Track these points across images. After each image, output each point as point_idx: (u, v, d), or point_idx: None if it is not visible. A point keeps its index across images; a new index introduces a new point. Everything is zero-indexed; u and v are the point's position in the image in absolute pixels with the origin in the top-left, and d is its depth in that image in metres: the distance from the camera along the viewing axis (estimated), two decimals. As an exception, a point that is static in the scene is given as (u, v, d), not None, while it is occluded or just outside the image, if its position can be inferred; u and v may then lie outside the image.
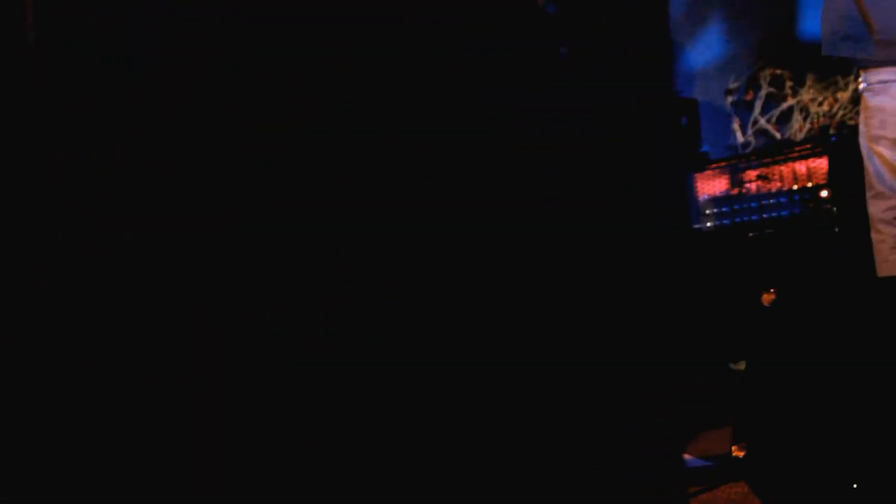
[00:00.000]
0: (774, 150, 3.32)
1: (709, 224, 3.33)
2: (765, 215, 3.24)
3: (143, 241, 1.07)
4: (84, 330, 1.13)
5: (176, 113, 1.02)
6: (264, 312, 0.94)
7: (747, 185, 3.27)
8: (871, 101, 2.30)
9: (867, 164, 2.27)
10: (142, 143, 1.09)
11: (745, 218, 3.26)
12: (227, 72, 0.97)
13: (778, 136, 4.08)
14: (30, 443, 1.11)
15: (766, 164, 3.26)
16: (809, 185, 3.12)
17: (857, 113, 3.75)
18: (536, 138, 0.88)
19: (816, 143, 3.15)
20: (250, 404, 0.98)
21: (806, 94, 3.99)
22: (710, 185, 3.34)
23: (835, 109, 3.89)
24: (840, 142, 3.12)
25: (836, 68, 3.88)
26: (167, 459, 1.08)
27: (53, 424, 1.11)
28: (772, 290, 2.97)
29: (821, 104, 3.94)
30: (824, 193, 3.07)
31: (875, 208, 2.26)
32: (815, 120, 3.94)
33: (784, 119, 4.09)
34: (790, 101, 4.06)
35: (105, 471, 1.11)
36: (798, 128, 4.03)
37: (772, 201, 3.23)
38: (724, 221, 3.29)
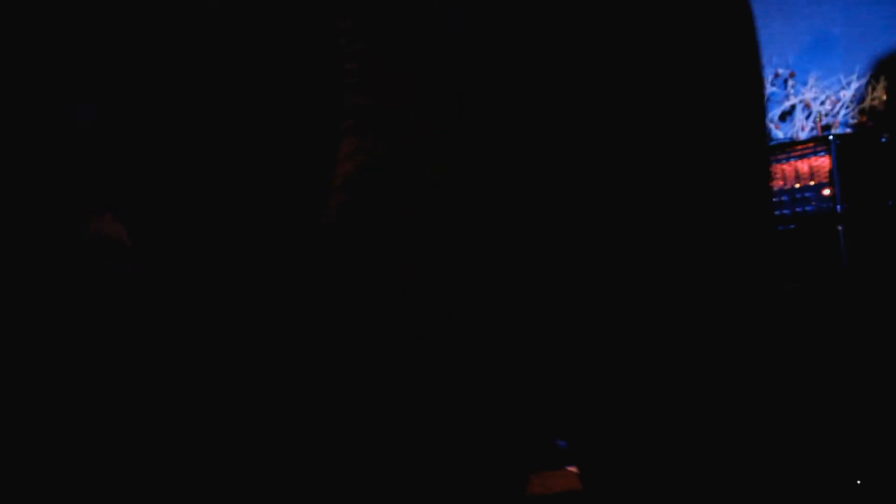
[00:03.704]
0: (777, 149, 3.32)
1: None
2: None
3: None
4: (88, 329, 1.13)
5: None
6: None
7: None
8: None
9: None
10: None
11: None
12: None
13: (780, 134, 4.08)
14: (29, 443, 1.11)
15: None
16: (812, 183, 3.12)
17: (860, 112, 3.75)
18: None
19: (819, 142, 3.15)
20: None
21: (808, 93, 3.99)
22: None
23: (837, 108, 3.89)
24: (843, 140, 3.12)
25: (839, 67, 3.87)
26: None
27: (53, 425, 1.11)
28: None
29: (823, 103, 3.94)
30: (827, 192, 3.07)
31: None
32: (818, 119, 3.94)
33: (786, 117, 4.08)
34: (792, 100, 4.05)
35: (106, 471, 1.11)
36: (800, 126, 4.02)
37: (774, 200, 3.23)
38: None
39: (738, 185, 0.91)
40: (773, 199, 3.12)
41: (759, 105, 0.96)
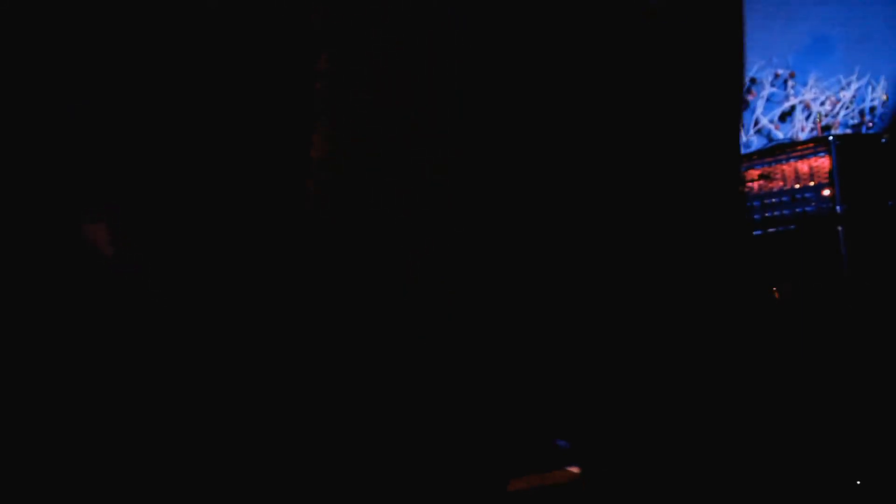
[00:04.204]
0: (776, 150, 3.32)
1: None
2: (766, 214, 3.23)
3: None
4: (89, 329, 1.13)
5: None
6: None
7: (749, 184, 3.27)
8: None
9: None
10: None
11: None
12: None
13: (780, 135, 4.08)
14: (29, 444, 1.11)
15: (768, 164, 3.26)
16: (811, 184, 3.12)
17: (860, 112, 3.75)
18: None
19: (819, 143, 3.15)
20: None
21: (808, 94, 3.99)
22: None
23: (836, 109, 3.89)
24: (843, 141, 3.12)
25: (838, 67, 3.87)
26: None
27: (52, 426, 1.11)
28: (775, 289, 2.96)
29: (822, 103, 3.94)
30: (826, 192, 3.07)
31: None
32: (818, 119, 3.94)
33: (786, 118, 4.09)
34: (792, 101, 4.05)
35: (106, 472, 1.11)
36: (800, 127, 4.02)
37: (773, 200, 3.23)
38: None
39: (713, 186, 0.91)
40: (746, 202, 3.11)
41: (735, 112, 0.97)
